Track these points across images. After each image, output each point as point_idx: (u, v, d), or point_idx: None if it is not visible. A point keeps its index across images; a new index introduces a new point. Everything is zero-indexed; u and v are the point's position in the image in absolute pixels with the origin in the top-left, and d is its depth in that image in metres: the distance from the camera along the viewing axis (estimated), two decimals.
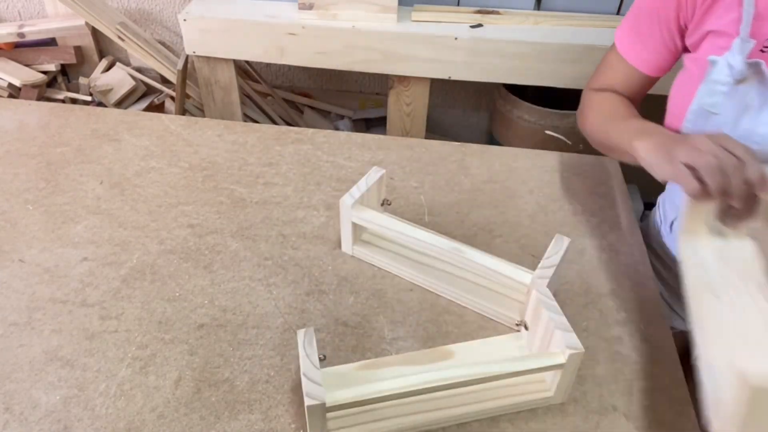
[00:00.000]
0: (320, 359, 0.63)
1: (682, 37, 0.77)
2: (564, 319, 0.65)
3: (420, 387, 0.61)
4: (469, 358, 0.72)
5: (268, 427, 0.66)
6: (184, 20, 1.49)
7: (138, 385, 0.69)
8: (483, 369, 0.63)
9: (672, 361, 0.74)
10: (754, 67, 0.65)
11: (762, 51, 0.66)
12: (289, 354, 0.73)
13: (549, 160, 1.08)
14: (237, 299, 0.80)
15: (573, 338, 0.63)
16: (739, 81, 0.66)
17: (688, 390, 0.71)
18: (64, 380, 0.69)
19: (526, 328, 0.74)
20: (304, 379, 0.60)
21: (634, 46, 0.83)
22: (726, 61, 0.66)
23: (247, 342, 0.74)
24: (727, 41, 0.69)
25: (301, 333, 0.64)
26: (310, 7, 1.48)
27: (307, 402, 0.58)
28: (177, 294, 0.80)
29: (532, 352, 0.72)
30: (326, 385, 0.59)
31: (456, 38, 1.45)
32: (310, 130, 1.13)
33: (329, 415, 0.62)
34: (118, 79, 1.83)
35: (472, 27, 1.49)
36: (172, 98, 1.85)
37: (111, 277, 0.82)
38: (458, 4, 1.58)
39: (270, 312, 0.78)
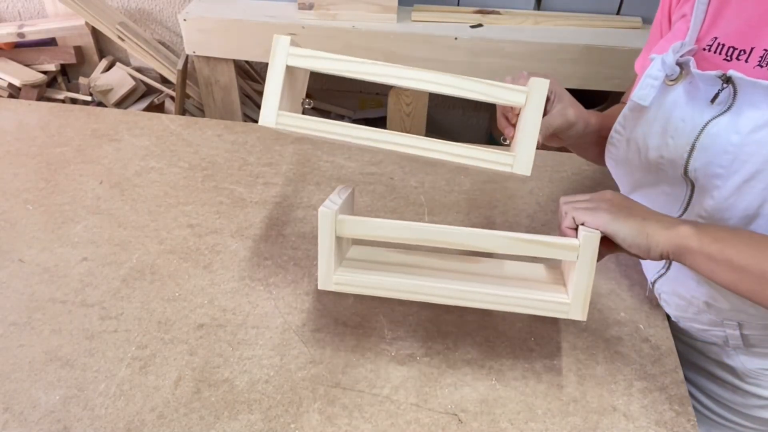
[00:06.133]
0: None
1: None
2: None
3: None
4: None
5: (268, 427, 0.66)
6: (184, 20, 1.49)
7: (138, 385, 0.69)
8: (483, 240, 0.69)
9: (672, 361, 0.74)
10: (684, 65, 0.68)
11: (704, 50, 0.67)
12: (289, 354, 0.73)
13: (549, 160, 1.08)
14: (237, 299, 0.80)
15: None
16: (671, 78, 0.69)
17: (688, 390, 0.72)
18: (63, 380, 0.69)
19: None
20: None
21: (643, 50, 0.83)
22: (661, 57, 0.68)
23: (246, 342, 0.74)
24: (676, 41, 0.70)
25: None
26: (310, 7, 1.48)
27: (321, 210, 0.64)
28: (177, 294, 0.80)
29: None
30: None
31: (456, 38, 1.45)
32: None
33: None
34: (118, 79, 1.83)
35: (472, 27, 1.49)
36: (172, 98, 1.85)
37: (111, 277, 0.82)
38: (458, 4, 1.58)
39: (270, 312, 0.78)
